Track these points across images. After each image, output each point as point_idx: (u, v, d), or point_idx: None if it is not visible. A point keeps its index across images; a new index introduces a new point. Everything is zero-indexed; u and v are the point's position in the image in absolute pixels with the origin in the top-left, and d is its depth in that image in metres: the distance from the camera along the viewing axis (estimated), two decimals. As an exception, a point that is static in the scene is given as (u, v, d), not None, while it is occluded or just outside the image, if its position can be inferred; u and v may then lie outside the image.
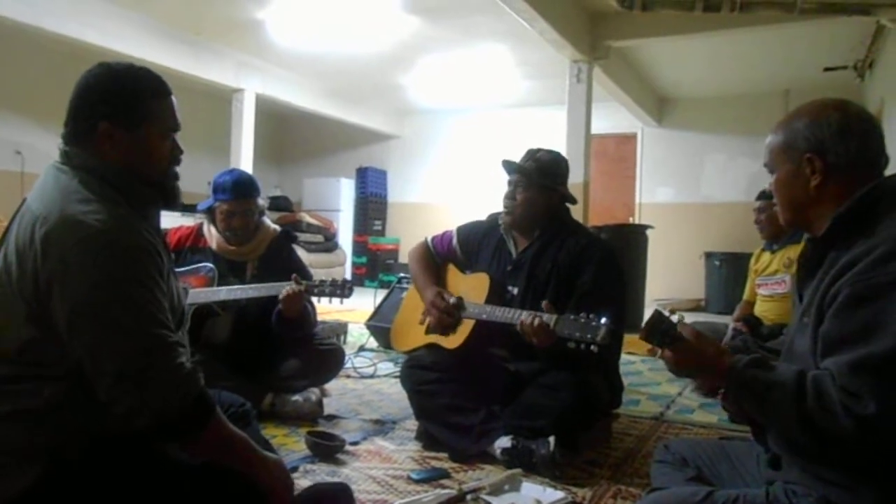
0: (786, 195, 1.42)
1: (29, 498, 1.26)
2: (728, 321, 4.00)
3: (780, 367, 1.29)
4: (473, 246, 2.75)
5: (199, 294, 2.74)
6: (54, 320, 1.26)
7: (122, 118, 1.39)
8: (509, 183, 2.62)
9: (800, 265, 1.47)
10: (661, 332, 1.37)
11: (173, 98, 1.47)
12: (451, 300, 2.56)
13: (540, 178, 2.55)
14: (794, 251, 3.39)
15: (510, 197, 2.59)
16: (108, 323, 1.25)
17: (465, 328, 2.52)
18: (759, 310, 3.53)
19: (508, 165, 2.64)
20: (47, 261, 1.26)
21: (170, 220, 3.00)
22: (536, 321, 2.19)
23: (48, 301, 1.26)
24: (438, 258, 2.83)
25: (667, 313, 1.39)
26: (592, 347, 2.03)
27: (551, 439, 2.21)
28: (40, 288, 1.26)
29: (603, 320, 2.03)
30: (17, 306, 1.28)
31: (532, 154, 2.62)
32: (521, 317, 2.26)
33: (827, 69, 7.04)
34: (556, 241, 2.55)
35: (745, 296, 3.73)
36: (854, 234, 1.28)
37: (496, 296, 2.53)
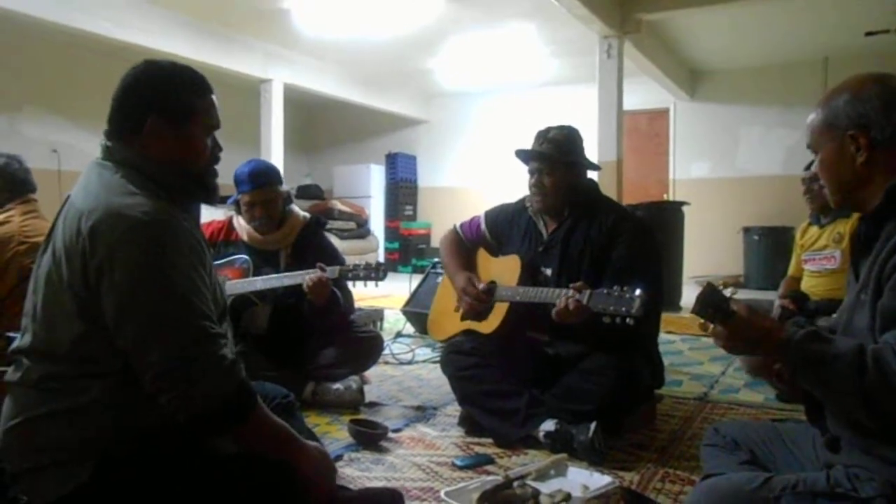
0: (832, 175, 1.38)
1: (82, 495, 1.27)
2: (771, 297, 3.90)
3: (839, 341, 1.25)
4: (502, 229, 2.72)
5: (236, 285, 2.76)
6: (103, 313, 1.27)
7: (170, 113, 1.40)
8: (531, 172, 2.55)
9: (854, 242, 1.42)
10: (714, 307, 1.31)
11: (214, 97, 1.48)
12: (481, 286, 2.54)
13: (562, 156, 2.50)
14: (843, 225, 3.29)
15: (537, 185, 2.53)
16: (152, 314, 1.26)
17: (500, 312, 2.50)
18: (806, 285, 3.43)
19: (524, 154, 2.57)
20: (95, 254, 1.27)
21: (202, 214, 3.02)
22: (572, 303, 2.14)
23: (97, 294, 1.27)
24: (468, 244, 2.81)
25: (719, 287, 1.34)
26: (628, 320, 2.01)
27: (592, 425, 2.18)
28: (89, 281, 1.27)
29: (637, 292, 2.00)
30: (68, 302, 1.30)
31: (544, 136, 2.54)
32: (555, 297, 2.21)
33: (868, 34, 6.77)
34: (586, 217, 2.50)
35: (790, 271, 3.62)
36: None
37: (529, 277, 2.50)
